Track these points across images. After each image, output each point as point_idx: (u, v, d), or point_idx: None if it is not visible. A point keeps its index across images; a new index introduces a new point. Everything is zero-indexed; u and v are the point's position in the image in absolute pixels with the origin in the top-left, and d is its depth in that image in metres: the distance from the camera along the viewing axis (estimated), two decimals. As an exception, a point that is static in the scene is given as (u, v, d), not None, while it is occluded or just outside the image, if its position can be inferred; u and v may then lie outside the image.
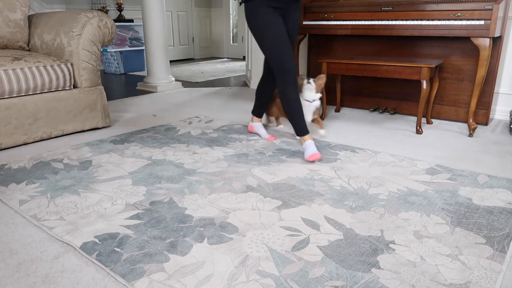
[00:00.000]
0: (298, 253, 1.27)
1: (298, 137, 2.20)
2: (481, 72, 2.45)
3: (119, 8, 5.59)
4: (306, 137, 2.15)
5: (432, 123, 2.85)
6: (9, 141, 2.26)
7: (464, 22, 2.42)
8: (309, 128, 2.20)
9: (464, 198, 1.66)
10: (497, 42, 2.62)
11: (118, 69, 5.47)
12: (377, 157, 2.15)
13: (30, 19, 2.86)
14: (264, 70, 2.39)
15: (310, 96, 2.32)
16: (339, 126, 2.78)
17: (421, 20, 2.58)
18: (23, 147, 2.32)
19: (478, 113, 2.77)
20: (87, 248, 1.30)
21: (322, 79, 2.36)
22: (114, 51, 5.36)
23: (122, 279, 1.14)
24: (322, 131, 2.41)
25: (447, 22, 2.48)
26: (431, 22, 2.53)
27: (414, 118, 2.96)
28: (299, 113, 2.16)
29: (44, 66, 2.37)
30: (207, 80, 4.92)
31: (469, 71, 2.76)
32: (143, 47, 5.58)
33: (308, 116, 2.34)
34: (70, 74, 2.49)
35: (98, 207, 1.58)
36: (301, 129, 2.16)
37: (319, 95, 2.35)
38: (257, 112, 2.55)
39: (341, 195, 1.69)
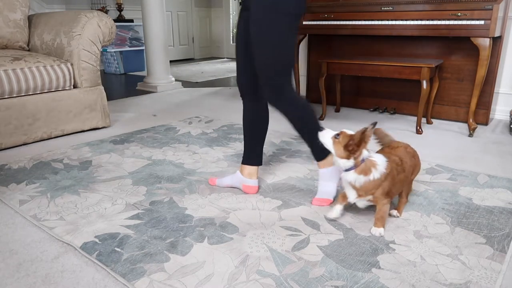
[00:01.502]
0: (298, 253, 1.27)
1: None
2: (481, 72, 2.45)
3: (119, 8, 5.60)
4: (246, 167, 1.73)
5: (432, 123, 2.85)
6: (9, 141, 2.26)
7: (464, 22, 2.42)
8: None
9: (464, 198, 1.66)
10: (497, 42, 2.62)
11: (118, 69, 5.47)
12: (377, 157, 2.14)
13: (30, 19, 2.86)
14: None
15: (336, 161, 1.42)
16: (339, 126, 2.77)
17: (421, 20, 2.58)
18: (23, 147, 2.32)
19: (478, 113, 2.77)
20: (87, 248, 1.30)
21: (343, 137, 1.37)
22: (114, 51, 5.36)
23: (122, 279, 1.14)
24: (373, 230, 1.41)
25: (447, 22, 2.48)
26: (431, 22, 2.53)
27: (414, 118, 2.95)
28: (246, 134, 1.72)
29: (44, 66, 2.37)
30: (207, 80, 4.92)
31: (469, 71, 2.76)
32: (143, 47, 5.58)
33: (348, 194, 1.44)
34: (70, 74, 2.49)
35: (98, 207, 1.58)
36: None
37: (347, 162, 1.37)
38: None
39: (341, 195, 1.69)
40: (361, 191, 1.39)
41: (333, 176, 1.62)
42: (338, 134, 1.38)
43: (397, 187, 1.42)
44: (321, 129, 1.46)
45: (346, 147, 1.35)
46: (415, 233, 1.39)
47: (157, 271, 1.18)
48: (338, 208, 1.48)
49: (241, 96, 1.71)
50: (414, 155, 1.48)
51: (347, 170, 1.38)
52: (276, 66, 1.51)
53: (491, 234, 1.38)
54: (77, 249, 1.30)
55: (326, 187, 1.62)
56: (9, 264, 1.23)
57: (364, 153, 1.36)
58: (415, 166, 1.49)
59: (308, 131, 1.58)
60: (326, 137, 1.41)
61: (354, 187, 1.39)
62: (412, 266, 1.21)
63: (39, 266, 1.22)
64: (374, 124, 1.35)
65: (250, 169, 1.71)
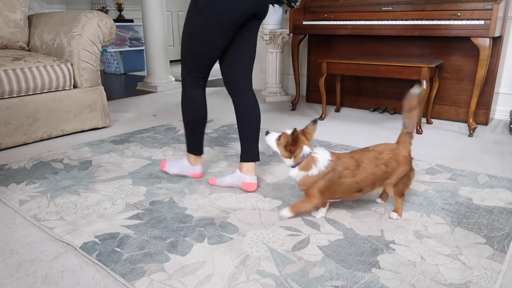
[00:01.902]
0: (298, 253, 1.27)
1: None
2: (481, 72, 2.45)
3: (119, 8, 5.59)
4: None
5: (432, 123, 2.85)
6: (9, 141, 2.26)
7: (464, 22, 2.42)
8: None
9: (464, 198, 1.66)
10: (497, 42, 2.62)
11: (118, 69, 5.46)
12: (377, 157, 2.14)
13: (30, 19, 2.86)
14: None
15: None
16: (339, 126, 2.78)
17: (421, 20, 2.58)
18: (23, 147, 2.32)
19: (478, 113, 2.77)
20: (87, 248, 1.30)
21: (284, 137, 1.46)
22: (114, 51, 5.36)
23: (122, 279, 1.14)
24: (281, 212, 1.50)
25: (447, 22, 2.48)
26: (431, 22, 2.53)
27: (414, 118, 2.95)
28: (239, 131, 1.79)
29: (44, 66, 2.37)
30: (207, 80, 4.91)
31: (469, 71, 2.76)
32: (143, 47, 5.57)
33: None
34: (70, 74, 2.49)
35: (98, 207, 1.58)
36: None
37: (289, 161, 1.46)
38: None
39: (341, 195, 1.69)
40: (301, 186, 1.46)
41: (177, 163, 1.87)
42: (280, 136, 1.47)
43: (335, 190, 1.42)
44: (266, 132, 1.53)
45: (285, 147, 1.43)
46: (415, 233, 1.39)
47: (157, 271, 1.18)
48: (323, 210, 1.52)
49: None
50: (387, 163, 1.43)
51: (293, 167, 1.46)
52: (183, 58, 1.67)
53: (491, 234, 1.38)
54: (77, 249, 1.30)
55: (174, 163, 1.88)
56: (9, 264, 1.23)
57: (305, 150, 1.43)
58: (389, 172, 1.44)
59: (185, 126, 1.77)
60: (271, 140, 1.49)
61: (297, 182, 1.47)
62: (412, 266, 1.21)
63: (39, 266, 1.22)
64: (315, 121, 1.47)
65: (247, 166, 1.73)
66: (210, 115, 3.10)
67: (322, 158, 1.41)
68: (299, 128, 1.43)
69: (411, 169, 1.47)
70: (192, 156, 1.82)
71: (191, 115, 1.75)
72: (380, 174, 1.43)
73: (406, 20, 2.63)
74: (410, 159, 1.47)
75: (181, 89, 1.76)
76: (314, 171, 1.40)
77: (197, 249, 1.29)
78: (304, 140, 1.43)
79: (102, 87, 2.66)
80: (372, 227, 1.43)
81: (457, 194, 1.69)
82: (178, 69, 5.93)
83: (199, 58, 1.65)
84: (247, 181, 1.72)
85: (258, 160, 1.75)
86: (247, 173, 1.73)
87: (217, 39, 1.57)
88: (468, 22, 2.41)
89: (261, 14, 1.62)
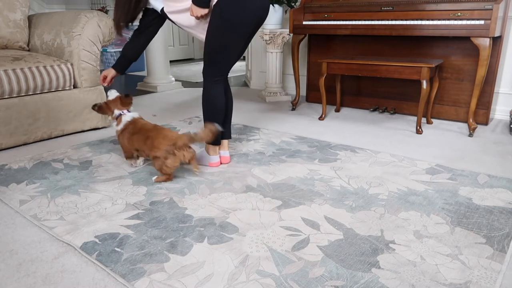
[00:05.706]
0: (298, 253, 1.27)
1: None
2: (481, 72, 2.45)
3: (119, 8, 5.59)
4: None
5: (432, 123, 2.85)
6: (9, 141, 2.26)
7: (464, 22, 2.42)
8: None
9: (464, 198, 1.66)
10: (497, 42, 2.62)
11: (118, 69, 5.46)
12: (377, 157, 2.14)
13: (30, 19, 2.86)
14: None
15: None
16: (339, 126, 2.78)
17: (421, 20, 2.58)
18: (23, 147, 2.32)
19: (478, 113, 2.77)
20: (87, 248, 1.30)
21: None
22: (114, 51, 5.36)
23: (122, 279, 1.15)
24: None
25: (447, 22, 2.48)
26: (431, 22, 2.53)
27: (414, 118, 2.95)
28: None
29: (44, 66, 2.37)
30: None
31: (469, 71, 2.76)
32: (143, 47, 5.57)
33: None
34: (70, 74, 2.49)
35: (98, 207, 1.58)
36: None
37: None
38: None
39: (341, 195, 1.69)
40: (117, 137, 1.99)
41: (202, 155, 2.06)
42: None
43: (131, 145, 1.89)
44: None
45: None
46: (415, 233, 1.39)
47: (157, 271, 1.18)
48: (138, 161, 2.02)
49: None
50: (146, 140, 1.81)
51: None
52: (205, 57, 1.87)
53: (491, 234, 1.38)
54: (77, 249, 1.30)
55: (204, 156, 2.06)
56: (9, 264, 1.23)
57: (115, 112, 1.96)
58: (146, 148, 1.83)
59: (205, 118, 1.95)
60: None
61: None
62: (412, 266, 1.21)
63: (39, 266, 1.22)
64: (127, 95, 1.98)
65: (224, 142, 2.05)
66: (210, 115, 3.10)
67: (125, 119, 1.91)
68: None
69: (165, 157, 1.74)
70: (210, 146, 2.00)
71: (212, 108, 1.94)
72: (142, 145, 1.83)
73: (406, 20, 2.63)
74: (164, 147, 1.74)
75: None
76: (119, 127, 1.93)
77: (197, 249, 1.29)
78: (117, 105, 1.95)
79: (102, 87, 2.66)
80: (372, 227, 1.43)
81: (457, 194, 1.69)
82: (178, 69, 5.94)
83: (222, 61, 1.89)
84: (225, 156, 2.05)
85: (231, 137, 2.10)
86: (223, 149, 2.05)
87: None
88: (468, 22, 2.40)
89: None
